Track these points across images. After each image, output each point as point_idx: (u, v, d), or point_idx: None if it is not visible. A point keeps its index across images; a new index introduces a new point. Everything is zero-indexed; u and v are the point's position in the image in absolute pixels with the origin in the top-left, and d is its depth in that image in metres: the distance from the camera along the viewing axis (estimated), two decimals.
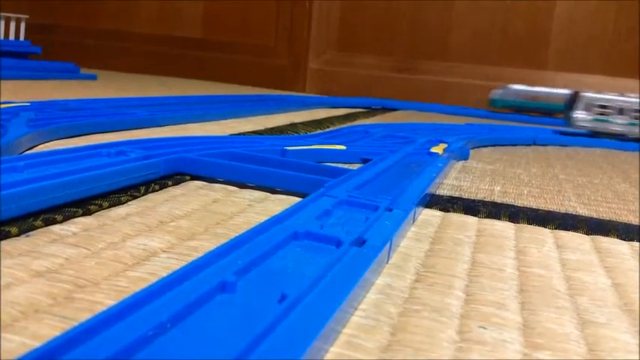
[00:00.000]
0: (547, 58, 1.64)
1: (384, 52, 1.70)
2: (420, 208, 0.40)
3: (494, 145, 0.85)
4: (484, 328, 0.23)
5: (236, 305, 0.20)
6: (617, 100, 0.95)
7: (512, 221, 0.41)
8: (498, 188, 0.52)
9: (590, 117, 0.94)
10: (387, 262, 0.29)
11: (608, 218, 0.44)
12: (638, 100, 0.96)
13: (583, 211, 0.46)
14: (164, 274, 0.24)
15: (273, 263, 0.24)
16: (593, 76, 1.59)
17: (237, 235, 0.26)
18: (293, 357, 0.16)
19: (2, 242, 0.26)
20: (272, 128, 0.77)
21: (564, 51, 1.63)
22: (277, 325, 0.18)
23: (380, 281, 0.26)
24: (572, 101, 0.96)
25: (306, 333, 0.18)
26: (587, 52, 1.62)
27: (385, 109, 1.32)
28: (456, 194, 0.47)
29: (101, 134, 0.60)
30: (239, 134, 0.69)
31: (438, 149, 0.61)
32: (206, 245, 0.29)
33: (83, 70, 1.52)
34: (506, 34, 1.66)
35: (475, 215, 0.41)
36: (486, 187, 0.52)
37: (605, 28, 1.60)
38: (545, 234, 0.38)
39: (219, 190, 0.42)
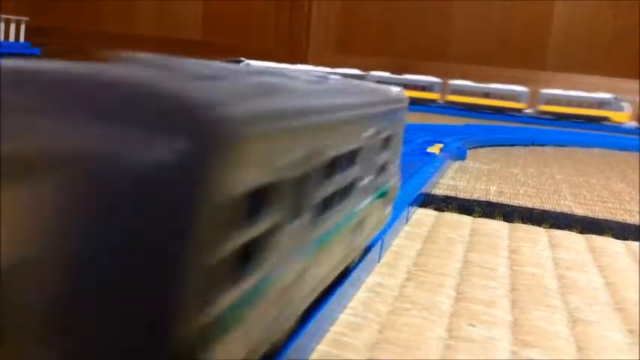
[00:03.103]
0: (546, 59, 1.64)
1: (382, 54, 1.70)
2: (414, 208, 0.40)
3: (492, 146, 0.85)
4: (473, 325, 0.23)
5: None
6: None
7: (506, 220, 0.41)
8: (494, 188, 0.52)
9: None
10: (379, 261, 0.29)
11: (603, 217, 0.44)
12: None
13: (578, 210, 0.46)
14: None
15: None
16: (591, 77, 1.59)
17: None
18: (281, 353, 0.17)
19: None
20: None
21: (563, 51, 1.63)
22: None
23: (370, 280, 0.26)
24: None
25: (295, 331, 0.18)
26: (586, 53, 1.62)
27: None
28: (452, 194, 0.47)
29: None
30: None
31: (434, 149, 0.61)
32: None
33: None
34: (504, 34, 1.66)
35: (469, 214, 0.41)
36: (482, 186, 0.52)
37: (604, 28, 1.60)
38: (540, 233, 0.38)
39: None
